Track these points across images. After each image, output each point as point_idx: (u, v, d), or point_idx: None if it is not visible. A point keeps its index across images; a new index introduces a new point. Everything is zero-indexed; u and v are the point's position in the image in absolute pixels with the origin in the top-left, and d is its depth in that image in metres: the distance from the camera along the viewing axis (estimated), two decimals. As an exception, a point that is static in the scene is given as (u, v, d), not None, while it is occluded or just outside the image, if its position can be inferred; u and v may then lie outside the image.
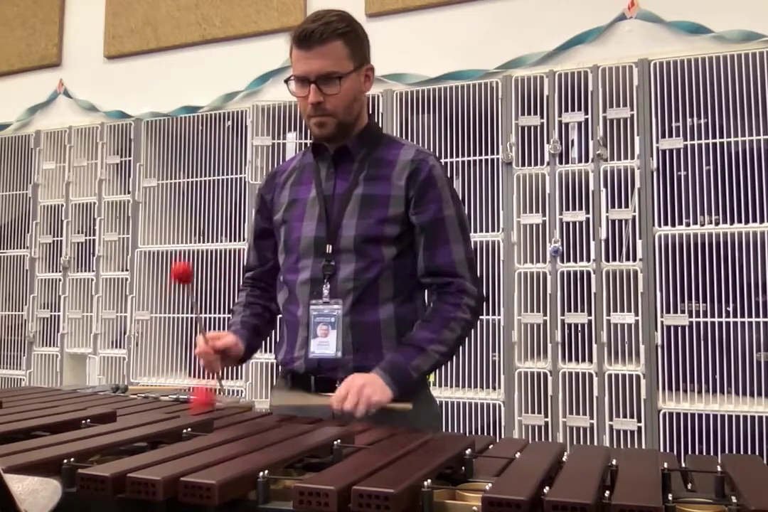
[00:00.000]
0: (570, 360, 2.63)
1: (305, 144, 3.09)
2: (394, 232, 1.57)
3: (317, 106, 1.54)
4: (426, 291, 1.65)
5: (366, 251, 1.56)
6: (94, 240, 3.49)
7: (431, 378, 1.79)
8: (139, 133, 3.43)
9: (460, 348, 1.63)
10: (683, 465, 1.09)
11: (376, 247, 1.57)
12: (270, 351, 3.02)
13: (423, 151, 1.64)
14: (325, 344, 1.56)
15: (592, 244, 2.61)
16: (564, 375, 2.61)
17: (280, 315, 1.73)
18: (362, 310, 1.56)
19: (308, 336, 1.58)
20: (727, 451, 2.39)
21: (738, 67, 2.52)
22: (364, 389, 1.43)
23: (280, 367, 1.69)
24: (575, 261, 2.65)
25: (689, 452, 2.43)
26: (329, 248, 1.58)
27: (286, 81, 1.59)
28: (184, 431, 1.19)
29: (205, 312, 3.22)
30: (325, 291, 1.57)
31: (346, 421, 1.40)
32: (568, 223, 2.66)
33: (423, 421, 1.51)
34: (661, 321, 2.50)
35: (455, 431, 2.67)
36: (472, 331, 1.86)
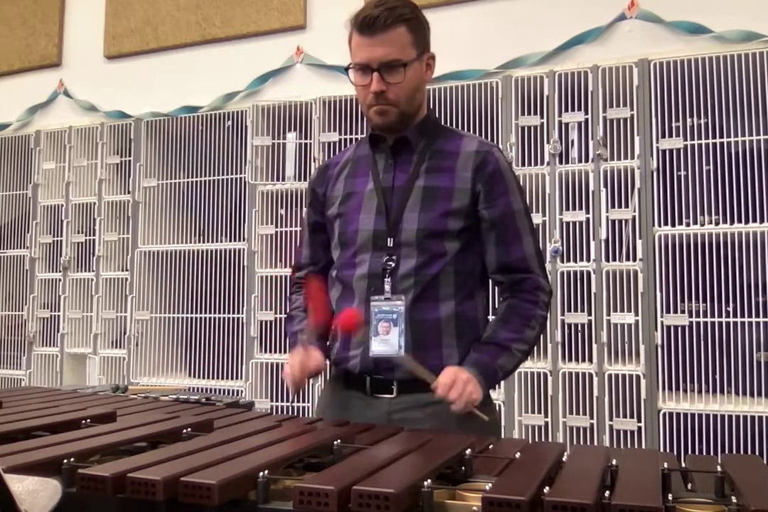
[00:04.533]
0: (570, 360, 2.63)
1: (305, 144, 3.09)
2: (458, 226, 1.50)
3: (379, 95, 1.47)
4: (497, 288, 1.58)
5: (428, 246, 1.49)
6: (94, 240, 3.48)
7: None
8: (139, 133, 3.43)
9: None
10: (683, 465, 1.09)
11: (439, 241, 1.49)
12: (269, 351, 3.04)
13: (486, 143, 1.58)
14: (386, 342, 1.47)
15: (592, 243, 2.61)
16: (564, 375, 2.61)
17: None
18: (422, 307, 1.48)
19: (366, 334, 1.50)
20: (727, 451, 2.39)
21: (738, 67, 2.51)
22: (469, 384, 1.38)
23: (332, 367, 1.61)
24: (575, 261, 2.65)
25: (689, 452, 2.43)
26: (390, 242, 1.50)
27: (346, 69, 1.52)
28: (184, 431, 1.20)
29: (205, 313, 3.22)
30: (387, 287, 1.48)
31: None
32: (568, 223, 2.66)
33: (487, 429, 1.44)
34: (661, 321, 2.50)
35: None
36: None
